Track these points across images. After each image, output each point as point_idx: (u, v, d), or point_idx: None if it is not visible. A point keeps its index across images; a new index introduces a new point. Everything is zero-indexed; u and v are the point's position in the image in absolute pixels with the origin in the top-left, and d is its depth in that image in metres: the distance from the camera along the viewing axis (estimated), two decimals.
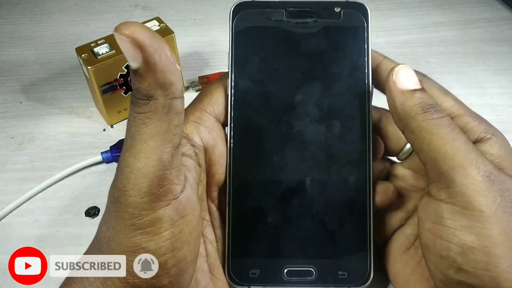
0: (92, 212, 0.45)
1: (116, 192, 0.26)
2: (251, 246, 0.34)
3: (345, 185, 0.34)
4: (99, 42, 0.50)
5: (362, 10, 0.35)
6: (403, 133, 0.31)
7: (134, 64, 0.24)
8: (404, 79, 0.31)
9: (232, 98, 0.35)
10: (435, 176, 0.29)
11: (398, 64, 0.32)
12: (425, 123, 0.30)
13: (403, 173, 0.36)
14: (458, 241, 0.28)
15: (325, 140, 0.34)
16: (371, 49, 0.36)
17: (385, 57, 0.36)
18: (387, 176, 0.37)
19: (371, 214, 0.34)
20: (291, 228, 0.34)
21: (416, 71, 0.35)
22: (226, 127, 0.35)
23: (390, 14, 0.71)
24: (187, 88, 0.58)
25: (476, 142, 0.31)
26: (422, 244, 0.31)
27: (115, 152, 0.49)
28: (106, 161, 0.49)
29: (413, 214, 0.36)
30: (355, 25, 0.35)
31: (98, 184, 0.48)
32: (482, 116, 0.33)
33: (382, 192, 0.35)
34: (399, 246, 0.35)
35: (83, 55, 0.49)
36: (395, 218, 0.36)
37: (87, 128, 0.54)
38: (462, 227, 0.28)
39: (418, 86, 0.31)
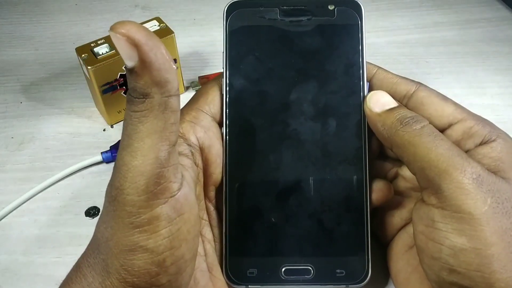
0: (92, 212, 0.45)
1: (114, 190, 0.27)
2: (248, 246, 0.34)
3: (342, 183, 0.34)
4: (99, 42, 0.50)
5: (356, 8, 0.35)
6: (392, 151, 0.33)
7: (129, 63, 0.24)
8: (377, 102, 0.33)
9: (227, 97, 0.35)
10: (425, 184, 0.30)
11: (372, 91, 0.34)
12: (406, 135, 0.31)
13: (410, 174, 0.36)
14: (449, 243, 0.28)
15: (321, 138, 0.35)
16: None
17: (379, 67, 0.36)
18: (395, 176, 0.37)
19: (368, 212, 0.34)
20: (288, 227, 0.34)
21: (411, 80, 0.35)
22: (222, 127, 0.35)
23: (390, 14, 0.71)
24: (187, 88, 0.58)
25: (480, 145, 0.31)
26: (416, 246, 0.32)
27: (115, 152, 0.48)
28: (106, 161, 0.49)
29: None
30: (349, 23, 0.35)
31: (98, 184, 0.48)
32: (483, 116, 0.33)
33: (378, 190, 0.35)
34: (402, 244, 0.35)
35: (83, 55, 0.49)
36: (401, 217, 0.36)
37: (87, 128, 0.54)
38: (453, 230, 0.28)
39: (393, 105, 0.33)
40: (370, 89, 0.36)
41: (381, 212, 0.37)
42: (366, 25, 0.35)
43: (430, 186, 0.30)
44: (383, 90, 0.35)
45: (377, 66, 0.36)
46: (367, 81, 0.35)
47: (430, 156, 0.29)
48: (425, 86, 0.35)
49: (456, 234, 0.28)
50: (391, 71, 0.36)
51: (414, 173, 0.31)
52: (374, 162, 0.37)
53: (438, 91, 0.35)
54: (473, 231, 0.27)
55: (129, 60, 0.24)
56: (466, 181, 0.28)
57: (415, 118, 0.32)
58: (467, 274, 0.28)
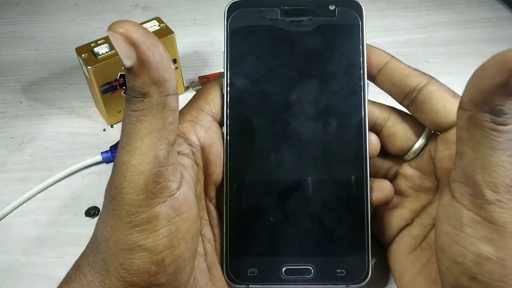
0: (92, 212, 0.45)
1: (113, 190, 0.27)
2: (249, 245, 0.34)
3: (342, 182, 0.34)
4: (99, 42, 0.50)
5: (356, 8, 0.35)
6: (460, 106, 0.28)
7: (127, 62, 0.24)
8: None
9: (228, 97, 0.35)
10: (463, 179, 0.28)
11: None
12: (489, 125, 0.26)
13: (411, 173, 0.36)
14: (475, 250, 0.27)
15: (321, 138, 0.35)
16: (378, 48, 0.36)
17: (393, 56, 0.35)
18: (395, 174, 0.37)
19: (368, 212, 0.34)
20: (289, 227, 0.34)
21: (423, 73, 0.35)
22: (223, 126, 0.35)
23: (390, 14, 0.71)
24: (187, 88, 0.58)
25: None
26: (437, 246, 0.31)
27: (115, 152, 0.48)
28: (106, 161, 0.49)
29: (420, 214, 0.36)
30: (350, 23, 0.35)
31: (98, 184, 0.48)
32: None
33: (378, 190, 0.35)
34: (405, 246, 0.35)
35: (83, 55, 0.49)
36: (401, 217, 0.36)
37: (87, 128, 0.54)
38: (482, 237, 0.27)
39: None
40: (380, 79, 0.35)
41: (380, 212, 0.37)
42: (366, 25, 0.35)
43: (469, 185, 0.28)
44: (394, 80, 0.34)
45: (391, 55, 0.35)
46: (367, 80, 0.35)
47: (490, 158, 0.27)
48: (437, 80, 0.34)
49: (484, 242, 0.27)
50: (403, 62, 0.35)
51: (460, 157, 0.28)
52: (374, 161, 0.37)
53: None
54: (502, 242, 0.27)
55: (127, 59, 0.24)
56: (507, 198, 0.27)
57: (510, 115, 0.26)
58: (488, 284, 0.27)
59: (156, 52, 0.25)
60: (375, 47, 0.36)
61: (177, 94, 0.27)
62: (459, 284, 0.29)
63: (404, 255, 0.35)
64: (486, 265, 0.27)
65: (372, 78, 0.36)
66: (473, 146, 0.27)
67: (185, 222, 0.28)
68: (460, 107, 0.28)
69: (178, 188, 0.28)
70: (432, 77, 0.34)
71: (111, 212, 0.27)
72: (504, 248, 0.27)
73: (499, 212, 0.27)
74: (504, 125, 0.26)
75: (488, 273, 0.27)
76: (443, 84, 0.34)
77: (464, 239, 0.28)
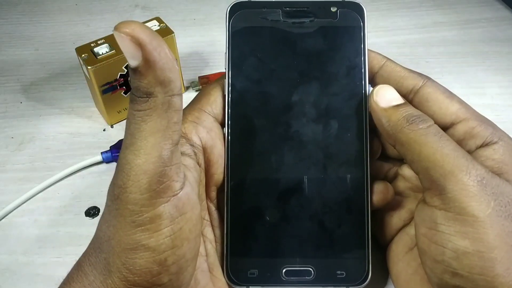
0: (92, 212, 0.45)
1: (116, 189, 0.27)
2: (249, 246, 0.34)
3: (343, 184, 0.34)
4: (99, 42, 0.50)
5: (358, 10, 0.35)
6: (395, 148, 0.33)
7: (133, 62, 0.24)
8: (385, 97, 0.33)
9: (229, 98, 0.35)
10: (428, 184, 0.30)
11: (378, 85, 0.34)
12: (412, 134, 0.30)
13: (409, 174, 0.36)
14: (452, 246, 0.28)
15: (322, 139, 0.35)
16: (373, 51, 0.36)
17: (388, 59, 0.36)
18: (395, 175, 0.37)
19: (369, 214, 0.34)
20: (289, 228, 0.34)
21: (420, 74, 0.35)
22: (224, 127, 0.35)
23: (390, 14, 0.71)
24: (187, 88, 0.58)
25: (481, 146, 0.31)
26: (418, 249, 0.31)
27: (115, 152, 0.49)
28: (106, 161, 0.49)
29: None
30: (351, 25, 0.35)
31: (98, 184, 0.48)
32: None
33: (379, 192, 0.35)
34: (402, 246, 0.35)
35: (83, 55, 0.49)
36: (399, 217, 0.36)
37: (87, 128, 0.54)
38: (456, 233, 0.28)
39: (400, 101, 0.33)
40: (376, 82, 0.36)
41: (379, 213, 0.37)
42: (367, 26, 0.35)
43: (433, 187, 0.29)
44: (390, 83, 0.35)
45: (386, 58, 0.36)
46: (369, 82, 0.35)
47: (435, 156, 0.29)
48: (433, 81, 0.34)
49: (459, 236, 0.28)
50: (399, 64, 0.36)
51: (417, 173, 0.31)
52: (375, 163, 0.37)
53: None
54: (476, 234, 0.27)
55: (133, 59, 0.24)
56: (471, 183, 0.28)
57: (422, 117, 0.31)
58: (470, 278, 0.28)
59: (162, 53, 0.25)
60: (370, 50, 0.36)
61: (181, 95, 0.27)
62: (444, 283, 0.29)
63: (400, 255, 0.35)
64: (464, 260, 0.28)
65: (368, 81, 0.36)
66: (418, 155, 0.30)
67: (188, 222, 0.28)
68: (391, 143, 0.33)
69: (181, 188, 0.28)
70: (428, 78, 0.34)
71: (114, 212, 0.27)
72: (479, 240, 0.27)
73: (467, 201, 0.28)
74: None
75: (468, 267, 0.28)
76: (439, 85, 0.34)
77: (440, 237, 0.29)
